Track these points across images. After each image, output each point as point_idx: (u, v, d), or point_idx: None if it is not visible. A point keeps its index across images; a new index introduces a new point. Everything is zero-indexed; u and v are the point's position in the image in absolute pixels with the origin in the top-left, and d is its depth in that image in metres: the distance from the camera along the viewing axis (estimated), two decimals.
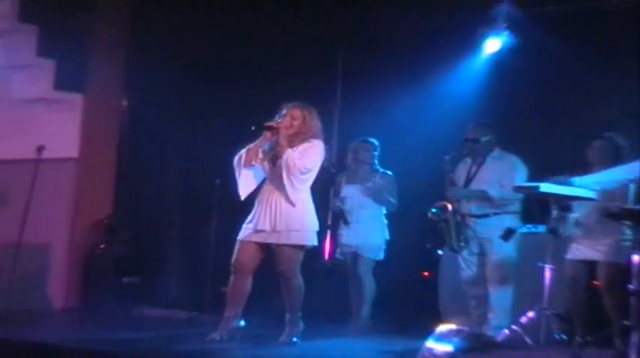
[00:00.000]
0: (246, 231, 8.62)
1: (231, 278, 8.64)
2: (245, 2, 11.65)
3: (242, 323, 8.66)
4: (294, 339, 8.54)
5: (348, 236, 9.92)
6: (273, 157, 8.56)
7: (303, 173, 8.49)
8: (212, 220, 11.38)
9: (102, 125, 12.01)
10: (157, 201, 12.82)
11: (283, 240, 8.50)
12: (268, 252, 8.62)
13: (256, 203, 8.65)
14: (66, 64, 11.71)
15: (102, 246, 11.66)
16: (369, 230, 10.05)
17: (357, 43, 12.18)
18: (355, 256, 10.06)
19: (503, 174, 9.19)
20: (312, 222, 8.69)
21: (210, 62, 12.21)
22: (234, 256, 8.61)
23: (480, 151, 9.46)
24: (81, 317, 10.95)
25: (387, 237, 10.18)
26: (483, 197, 9.25)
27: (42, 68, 11.75)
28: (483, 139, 9.41)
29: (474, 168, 9.48)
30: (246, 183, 8.63)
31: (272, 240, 8.52)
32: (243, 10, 11.75)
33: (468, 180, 9.45)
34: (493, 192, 9.15)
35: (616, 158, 8.68)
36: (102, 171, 12.01)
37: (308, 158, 8.52)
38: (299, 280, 8.65)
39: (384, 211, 10.17)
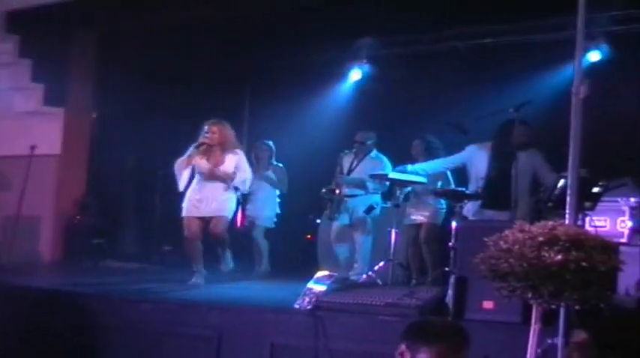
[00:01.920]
0: (189, 209, 8.73)
1: (186, 244, 8.82)
2: (183, 46, 11.68)
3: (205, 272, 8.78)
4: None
5: (249, 209, 9.92)
6: (208, 159, 8.75)
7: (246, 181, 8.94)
8: (156, 199, 11.60)
9: (78, 130, 11.90)
10: (117, 185, 12.80)
11: (217, 213, 8.69)
12: (206, 222, 8.72)
13: (197, 188, 8.76)
14: (52, 86, 11.65)
15: (78, 217, 11.56)
16: (263, 205, 10.07)
17: (260, 74, 12.38)
18: (252, 224, 10.10)
19: (375, 169, 9.16)
20: (233, 200, 8.89)
21: (155, 90, 12.19)
22: (186, 230, 8.71)
23: (363, 150, 9.43)
24: (63, 268, 10.88)
25: (278, 211, 10.19)
26: (361, 184, 9.31)
27: (35, 90, 11.65)
28: (368, 142, 9.44)
29: (355, 162, 9.44)
30: (183, 179, 8.69)
31: (209, 213, 8.70)
32: (179, 52, 11.86)
33: (350, 171, 9.41)
34: (369, 183, 9.20)
35: (428, 152, 9.03)
36: (78, 163, 11.91)
37: (244, 169, 8.91)
38: (227, 238, 8.91)
39: (278, 192, 10.21)
